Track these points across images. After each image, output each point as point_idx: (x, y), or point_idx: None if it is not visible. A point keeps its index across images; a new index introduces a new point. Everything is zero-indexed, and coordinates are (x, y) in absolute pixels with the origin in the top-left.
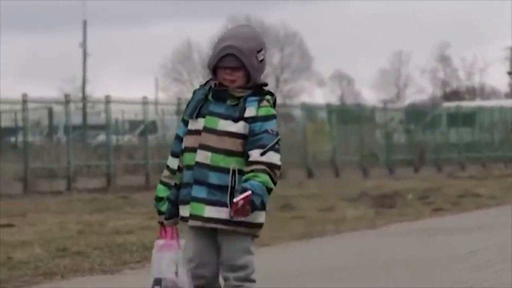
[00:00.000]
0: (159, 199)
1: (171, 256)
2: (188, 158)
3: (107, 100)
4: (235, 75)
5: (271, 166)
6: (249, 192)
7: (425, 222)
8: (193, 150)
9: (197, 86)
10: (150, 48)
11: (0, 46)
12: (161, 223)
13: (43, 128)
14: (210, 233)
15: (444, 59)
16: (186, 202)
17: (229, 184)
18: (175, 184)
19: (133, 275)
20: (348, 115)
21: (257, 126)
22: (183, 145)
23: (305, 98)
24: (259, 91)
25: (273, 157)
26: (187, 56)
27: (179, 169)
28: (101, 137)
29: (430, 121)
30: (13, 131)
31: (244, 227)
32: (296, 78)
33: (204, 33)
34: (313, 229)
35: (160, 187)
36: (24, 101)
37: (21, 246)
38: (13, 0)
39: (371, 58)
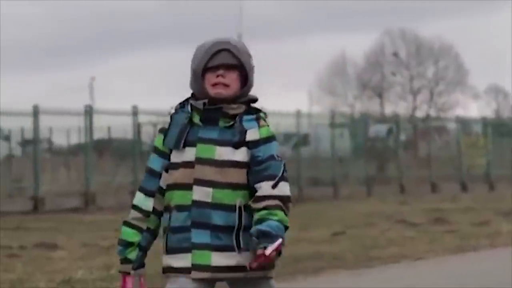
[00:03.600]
0: (127, 245)
1: None
2: (179, 197)
3: None
4: (229, 76)
5: (284, 199)
6: (280, 240)
7: None
8: (186, 186)
9: (351, 98)
10: (305, 61)
11: (158, 60)
12: (124, 273)
13: None
14: (211, 285)
15: None
16: (183, 250)
17: (236, 224)
18: (148, 228)
19: None
20: (504, 129)
21: (260, 151)
22: (164, 182)
23: (460, 112)
24: (251, 107)
25: (285, 188)
26: (341, 69)
27: (154, 211)
28: None
29: None
30: None
31: (261, 270)
32: (450, 91)
33: (359, 47)
34: (467, 243)
35: (128, 230)
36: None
37: None
38: (164, 16)
39: None
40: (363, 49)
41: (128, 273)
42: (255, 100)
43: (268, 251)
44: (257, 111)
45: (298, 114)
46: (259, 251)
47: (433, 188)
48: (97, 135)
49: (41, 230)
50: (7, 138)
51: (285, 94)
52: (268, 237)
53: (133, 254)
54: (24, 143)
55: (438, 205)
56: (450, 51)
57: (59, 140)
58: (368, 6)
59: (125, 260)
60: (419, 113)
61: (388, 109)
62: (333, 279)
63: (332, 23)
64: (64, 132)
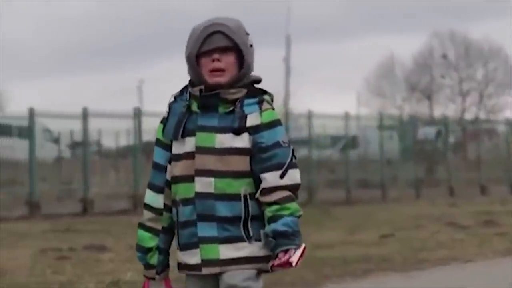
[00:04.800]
0: (146, 251)
1: None
2: (183, 190)
3: (310, 115)
4: (225, 60)
5: (294, 188)
6: (303, 246)
7: None
8: (188, 178)
9: (400, 100)
10: (353, 63)
11: None
12: (149, 278)
13: None
14: (214, 277)
15: None
16: (192, 246)
17: (242, 214)
18: (163, 227)
19: None
20: None
21: (263, 137)
22: (169, 175)
23: (509, 114)
24: (253, 89)
25: (295, 176)
26: (389, 71)
27: (166, 207)
28: (303, 152)
29: None
30: None
31: (266, 263)
32: (500, 93)
33: (408, 48)
34: None
35: (144, 234)
36: None
37: None
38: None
39: None
40: (411, 51)
41: (153, 278)
42: (258, 81)
43: (294, 261)
44: (262, 93)
45: (346, 116)
46: (281, 255)
47: (483, 190)
48: (146, 137)
49: (90, 232)
50: (57, 140)
51: (333, 96)
52: (286, 237)
53: (154, 259)
54: (74, 145)
55: (487, 207)
56: (500, 52)
57: (108, 143)
58: (417, 7)
59: (148, 266)
60: (468, 116)
61: (437, 112)
62: (382, 281)
63: (380, 24)
64: (113, 134)
